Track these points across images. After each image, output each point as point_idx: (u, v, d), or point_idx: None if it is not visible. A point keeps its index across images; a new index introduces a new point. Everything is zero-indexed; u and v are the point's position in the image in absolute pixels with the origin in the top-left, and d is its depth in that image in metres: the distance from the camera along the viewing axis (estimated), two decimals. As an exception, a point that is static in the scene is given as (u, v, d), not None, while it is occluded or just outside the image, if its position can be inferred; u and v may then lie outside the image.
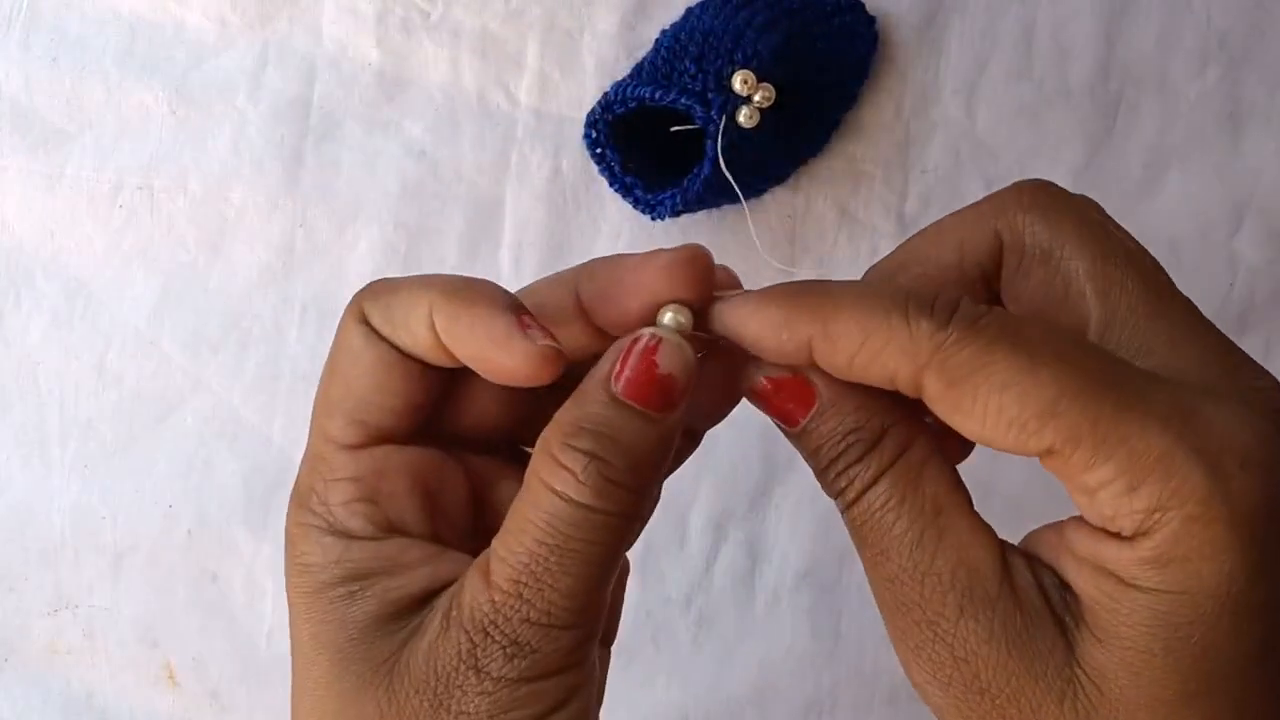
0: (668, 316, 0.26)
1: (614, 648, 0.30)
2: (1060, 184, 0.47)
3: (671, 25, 0.47)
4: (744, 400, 0.30)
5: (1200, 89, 0.47)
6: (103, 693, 0.50)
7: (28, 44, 0.48)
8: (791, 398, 0.26)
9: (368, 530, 0.27)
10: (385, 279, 0.28)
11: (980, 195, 0.27)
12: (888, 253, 0.28)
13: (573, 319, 0.27)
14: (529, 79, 0.46)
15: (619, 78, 0.46)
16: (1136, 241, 0.26)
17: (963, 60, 0.44)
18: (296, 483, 0.28)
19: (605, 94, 0.44)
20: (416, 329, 0.26)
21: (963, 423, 0.23)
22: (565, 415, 0.25)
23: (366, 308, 0.27)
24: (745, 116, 0.42)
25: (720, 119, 0.42)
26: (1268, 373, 0.24)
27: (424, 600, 0.26)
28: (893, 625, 0.25)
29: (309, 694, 0.27)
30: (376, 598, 0.26)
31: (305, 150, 0.48)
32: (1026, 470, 0.47)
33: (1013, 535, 0.51)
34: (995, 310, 0.24)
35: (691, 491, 0.48)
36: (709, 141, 0.42)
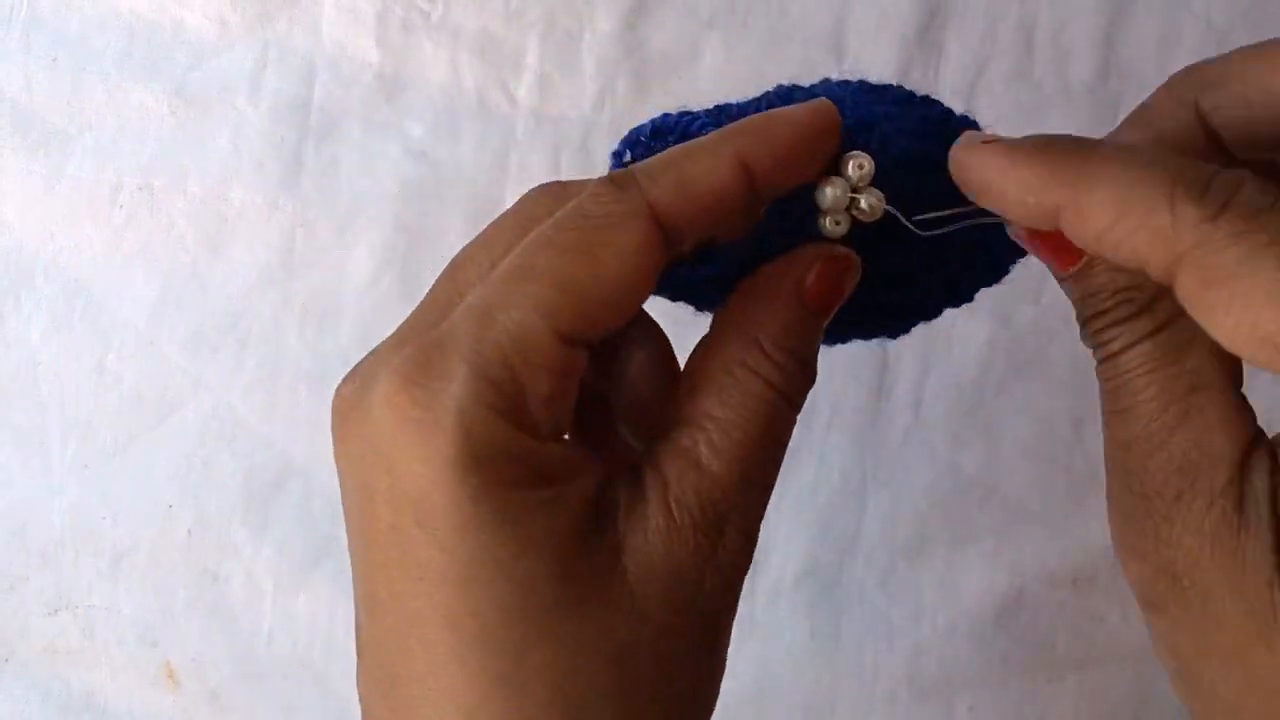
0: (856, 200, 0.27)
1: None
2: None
3: (789, 82, 0.34)
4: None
5: (1200, 89, 0.47)
6: (103, 693, 0.50)
7: (28, 44, 0.48)
8: (1054, 250, 0.24)
9: (549, 431, 0.24)
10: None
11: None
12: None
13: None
14: (529, 79, 0.46)
15: (619, 77, 0.45)
16: None
17: (962, 61, 0.44)
18: (476, 350, 0.23)
19: (663, 117, 0.36)
20: (722, 183, 0.25)
21: (1210, 324, 0.21)
22: (768, 318, 0.26)
23: (644, 173, 0.25)
24: (831, 222, 0.28)
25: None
26: None
27: (596, 503, 0.25)
28: (1112, 487, 0.24)
29: (511, 620, 0.23)
30: (572, 502, 0.24)
31: (305, 151, 0.48)
32: (1027, 470, 0.47)
33: (1011, 534, 0.51)
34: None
35: (691, 492, 0.48)
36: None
